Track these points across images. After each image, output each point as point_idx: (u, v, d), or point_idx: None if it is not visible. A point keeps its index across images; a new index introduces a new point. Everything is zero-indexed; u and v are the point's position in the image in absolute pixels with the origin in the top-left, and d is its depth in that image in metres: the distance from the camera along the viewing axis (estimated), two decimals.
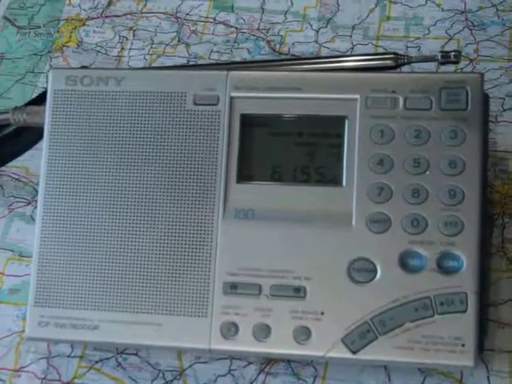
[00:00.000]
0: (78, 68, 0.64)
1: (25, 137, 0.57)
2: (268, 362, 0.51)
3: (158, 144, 0.49)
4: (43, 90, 0.62)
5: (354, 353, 0.46)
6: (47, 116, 0.51)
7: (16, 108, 0.54)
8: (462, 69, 0.60)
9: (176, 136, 0.49)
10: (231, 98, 0.49)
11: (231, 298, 0.47)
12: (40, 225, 0.50)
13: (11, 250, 0.58)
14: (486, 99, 0.48)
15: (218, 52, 0.66)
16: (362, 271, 0.46)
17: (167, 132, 0.49)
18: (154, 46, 0.68)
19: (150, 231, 0.48)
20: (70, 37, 0.69)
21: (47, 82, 0.51)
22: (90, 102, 0.50)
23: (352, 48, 0.65)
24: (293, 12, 0.68)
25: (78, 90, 0.51)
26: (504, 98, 0.60)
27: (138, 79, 0.50)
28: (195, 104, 0.49)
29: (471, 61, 0.62)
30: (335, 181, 0.48)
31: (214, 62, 0.65)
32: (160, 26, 0.69)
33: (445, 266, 0.46)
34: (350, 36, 0.65)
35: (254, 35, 0.67)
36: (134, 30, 0.69)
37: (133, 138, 0.49)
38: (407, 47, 0.64)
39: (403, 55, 0.52)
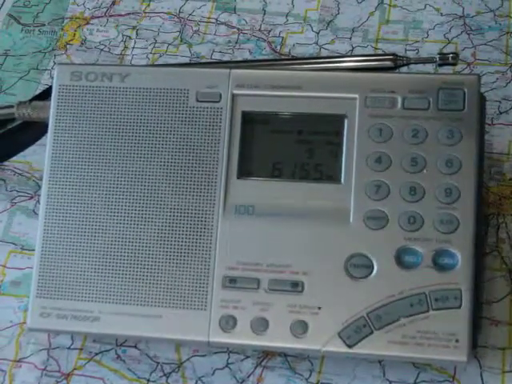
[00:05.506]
0: (83, 64, 0.65)
1: (29, 132, 0.58)
2: (265, 356, 0.52)
3: (160, 139, 0.50)
4: (47, 86, 0.63)
5: (349, 347, 0.47)
6: (52, 111, 0.51)
7: (21, 102, 0.55)
8: (459, 72, 0.61)
9: (178, 132, 0.50)
10: (233, 96, 0.50)
11: (230, 292, 0.48)
12: (43, 218, 0.50)
13: (13, 243, 0.58)
14: (482, 100, 0.49)
15: (219, 52, 0.67)
16: (358, 267, 0.47)
17: (170, 128, 0.50)
18: (156, 45, 0.68)
19: (152, 225, 0.49)
20: (74, 35, 0.70)
21: (52, 78, 0.52)
22: (95, 97, 0.51)
23: (351, 50, 0.65)
24: (294, 14, 0.69)
25: (82, 86, 0.51)
26: (500, 101, 0.61)
27: (142, 76, 0.51)
28: (198, 101, 0.50)
29: (468, 64, 0.63)
30: (334, 178, 0.49)
31: (217, 60, 0.66)
32: (163, 26, 0.69)
33: (440, 262, 0.47)
34: (350, 38, 0.66)
35: (255, 36, 0.68)
36: (138, 30, 0.69)
37: (136, 133, 0.50)
38: (406, 50, 0.64)
39: (402, 56, 0.53)
